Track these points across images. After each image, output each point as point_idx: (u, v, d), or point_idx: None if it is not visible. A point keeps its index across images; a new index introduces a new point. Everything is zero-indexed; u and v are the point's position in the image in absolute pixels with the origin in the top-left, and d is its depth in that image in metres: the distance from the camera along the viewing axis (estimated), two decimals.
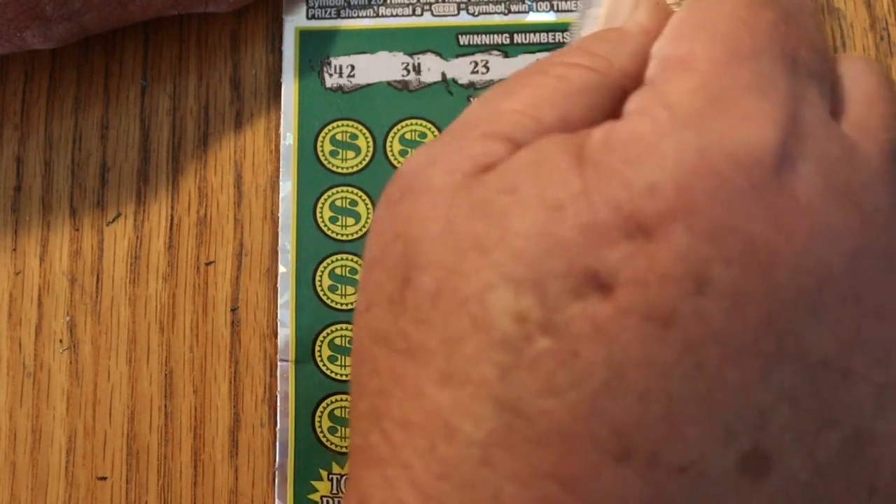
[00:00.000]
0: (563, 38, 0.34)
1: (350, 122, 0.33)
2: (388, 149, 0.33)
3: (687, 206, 0.18)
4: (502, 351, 0.18)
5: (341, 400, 0.31)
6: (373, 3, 0.34)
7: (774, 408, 0.18)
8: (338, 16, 0.34)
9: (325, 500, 0.31)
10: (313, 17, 0.34)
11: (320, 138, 0.33)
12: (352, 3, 0.34)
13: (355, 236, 0.32)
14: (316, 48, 0.34)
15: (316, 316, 0.32)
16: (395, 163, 0.33)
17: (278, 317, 0.32)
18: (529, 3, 0.34)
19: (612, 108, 0.22)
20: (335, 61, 0.34)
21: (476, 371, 0.18)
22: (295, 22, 0.34)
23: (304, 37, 0.34)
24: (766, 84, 0.19)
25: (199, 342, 0.32)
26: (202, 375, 0.31)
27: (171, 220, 0.33)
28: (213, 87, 0.34)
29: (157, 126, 0.33)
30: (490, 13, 0.34)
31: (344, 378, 0.31)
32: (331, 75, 0.34)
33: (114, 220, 0.33)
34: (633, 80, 0.22)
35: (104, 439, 0.31)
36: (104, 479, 0.31)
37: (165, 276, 0.32)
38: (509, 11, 0.34)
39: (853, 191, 0.19)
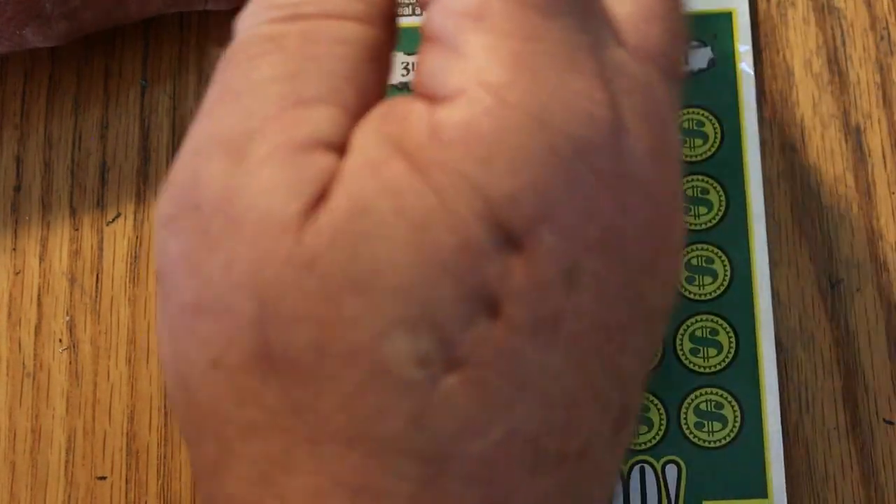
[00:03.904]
0: None
1: None
2: None
3: (547, 206, 0.17)
4: (409, 399, 0.17)
5: None
6: None
7: (630, 366, 0.19)
8: None
9: None
10: None
11: None
12: None
13: None
14: None
15: None
16: None
17: None
18: None
19: (387, 66, 0.20)
20: None
21: (384, 427, 0.17)
22: None
23: None
24: (573, 47, 0.18)
25: None
26: None
27: None
28: None
29: (157, 126, 0.33)
30: None
31: None
32: None
33: (114, 220, 0.33)
34: (389, 22, 0.20)
35: (104, 439, 0.31)
36: (104, 478, 0.31)
37: None
38: None
39: (664, 140, 0.19)
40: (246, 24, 0.20)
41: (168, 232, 0.19)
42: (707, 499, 0.29)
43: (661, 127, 0.19)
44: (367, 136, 0.18)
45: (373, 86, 0.19)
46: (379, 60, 0.19)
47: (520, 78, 0.17)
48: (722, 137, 0.31)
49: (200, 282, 0.18)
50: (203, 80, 0.34)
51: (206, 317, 0.18)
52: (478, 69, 0.18)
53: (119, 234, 0.32)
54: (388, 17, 0.20)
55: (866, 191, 0.32)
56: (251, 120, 0.18)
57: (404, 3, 0.34)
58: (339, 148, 0.18)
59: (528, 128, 0.17)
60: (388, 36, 0.20)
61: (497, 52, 0.18)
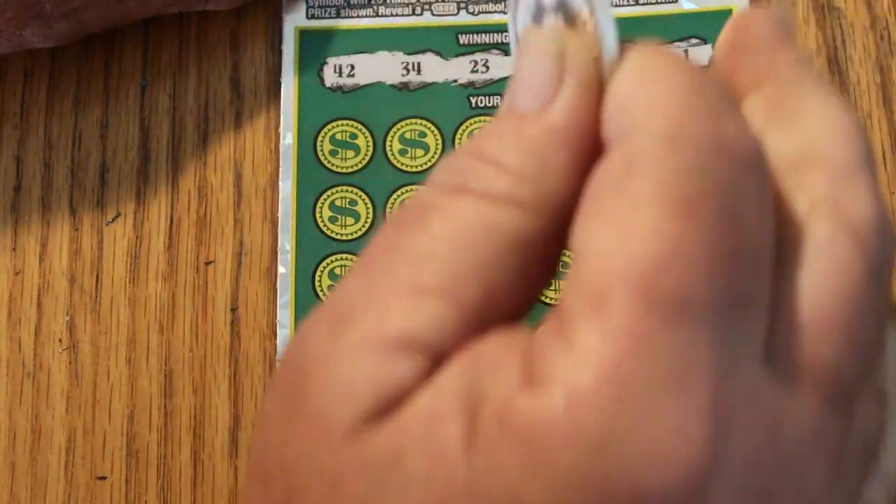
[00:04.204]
0: None
1: (350, 122, 0.33)
2: (388, 148, 0.33)
3: None
4: None
5: None
6: (372, 2, 0.34)
7: None
8: (337, 15, 0.34)
9: None
10: (313, 16, 0.34)
11: (320, 138, 0.33)
12: (351, 3, 0.34)
13: (355, 236, 0.32)
14: (316, 48, 0.34)
15: None
16: (394, 162, 0.33)
17: (277, 317, 0.32)
18: None
19: (548, 263, 0.18)
20: (335, 61, 0.34)
21: None
22: (295, 21, 0.34)
23: (304, 36, 0.34)
24: (691, 365, 0.16)
25: (199, 342, 0.32)
26: (202, 375, 0.31)
27: (171, 219, 0.33)
28: (212, 87, 0.34)
29: (157, 125, 0.33)
30: (490, 12, 0.34)
31: None
32: (331, 75, 0.34)
33: (113, 219, 0.33)
34: (565, 213, 0.17)
35: (104, 439, 0.31)
36: (104, 478, 0.31)
37: (165, 276, 0.32)
38: None
39: (776, 490, 0.16)
40: (431, 176, 0.19)
41: (275, 375, 0.19)
42: None
43: (778, 475, 0.16)
44: (456, 374, 0.17)
45: (511, 283, 0.18)
46: (530, 255, 0.18)
47: (604, 391, 0.15)
48: None
49: (263, 446, 0.18)
50: (203, 79, 0.34)
51: (256, 482, 0.18)
52: (573, 367, 0.16)
53: (119, 234, 0.32)
54: (559, 209, 0.18)
55: None
56: (364, 295, 0.18)
57: (404, 4, 0.34)
58: (436, 353, 0.17)
59: (584, 451, 0.15)
60: (555, 230, 0.18)
61: (597, 354, 0.16)
